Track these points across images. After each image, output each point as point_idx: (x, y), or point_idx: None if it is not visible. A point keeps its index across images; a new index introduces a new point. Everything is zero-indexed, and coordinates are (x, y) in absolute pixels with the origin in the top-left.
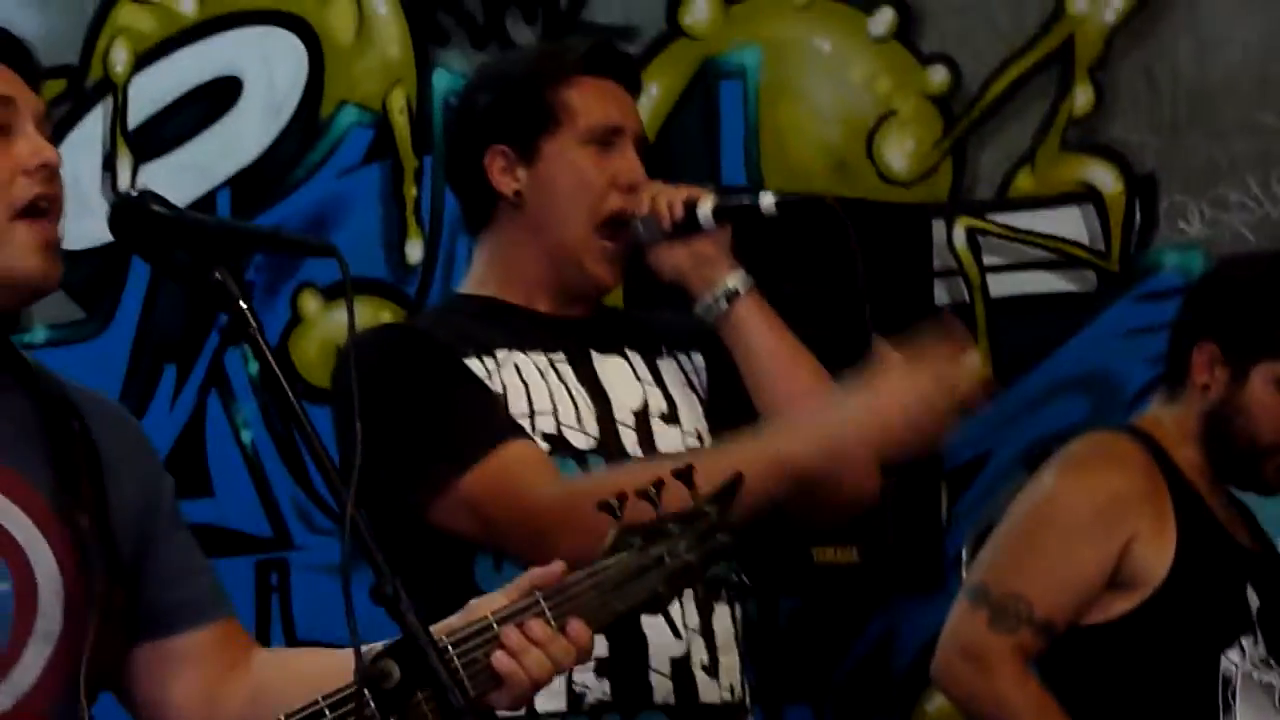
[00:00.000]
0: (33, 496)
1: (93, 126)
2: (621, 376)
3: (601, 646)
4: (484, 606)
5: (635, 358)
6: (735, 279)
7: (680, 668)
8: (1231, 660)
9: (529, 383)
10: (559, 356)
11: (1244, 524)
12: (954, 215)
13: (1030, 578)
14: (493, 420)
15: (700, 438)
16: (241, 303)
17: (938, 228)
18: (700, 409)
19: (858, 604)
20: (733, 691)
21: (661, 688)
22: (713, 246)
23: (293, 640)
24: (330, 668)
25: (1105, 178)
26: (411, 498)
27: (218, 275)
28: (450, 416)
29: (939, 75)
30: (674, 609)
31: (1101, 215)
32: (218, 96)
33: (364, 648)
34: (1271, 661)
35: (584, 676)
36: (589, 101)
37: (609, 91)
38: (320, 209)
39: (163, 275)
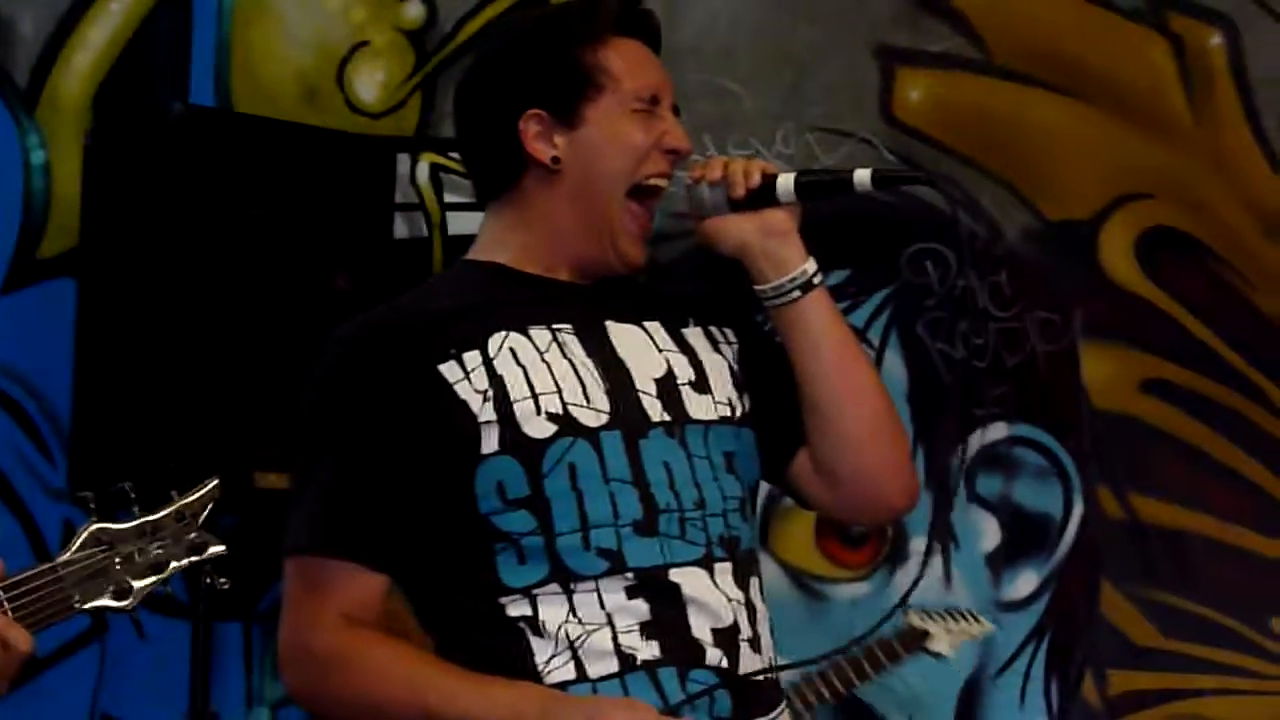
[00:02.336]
0: None
1: None
2: (639, 345)
3: (643, 611)
4: None
5: (655, 327)
6: (811, 264)
7: (725, 637)
8: None
9: (526, 365)
10: (565, 328)
11: None
12: (419, 151)
13: None
14: (356, 518)
15: (732, 407)
16: None
17: (402, 162)
18: (731, 378)
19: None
20: (772, 665)
21: (712, 654)
22: (787, 222)
23: None
24: None
25: None
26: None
27: None
28: (329, 488)
29: (414, 10)
30: (709, 580)
31: None
32: None
33: None
34: None
35: (629, 639)
36: (630, 65)
37: (645, 55)
38: None
39: None
